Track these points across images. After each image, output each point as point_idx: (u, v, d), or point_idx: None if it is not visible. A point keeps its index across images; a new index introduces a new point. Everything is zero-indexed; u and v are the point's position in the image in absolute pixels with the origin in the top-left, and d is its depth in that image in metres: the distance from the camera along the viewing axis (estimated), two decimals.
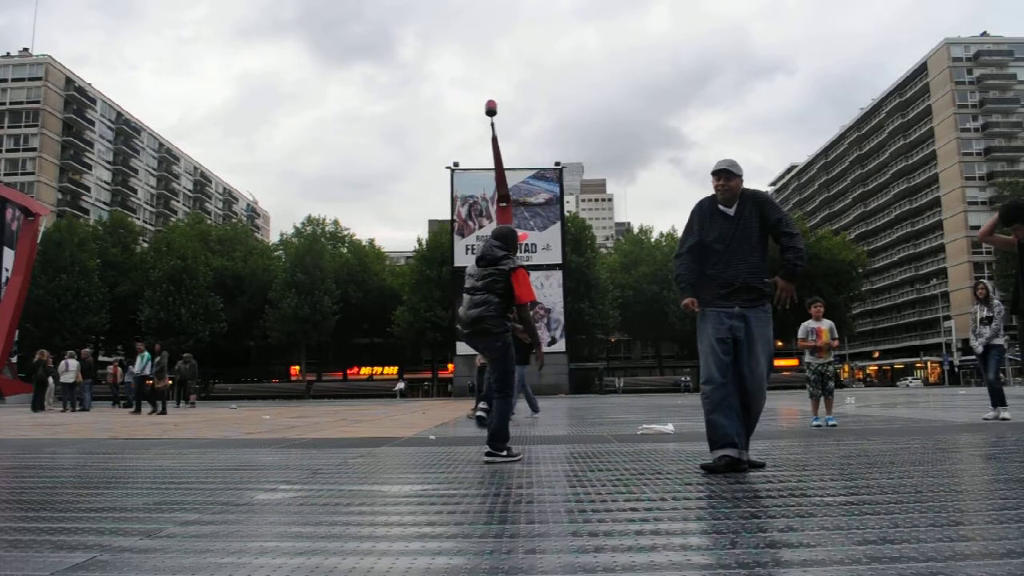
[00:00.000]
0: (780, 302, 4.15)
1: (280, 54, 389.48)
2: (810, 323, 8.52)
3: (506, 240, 5.17)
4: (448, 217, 47.78)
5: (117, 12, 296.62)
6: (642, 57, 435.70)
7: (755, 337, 4.08)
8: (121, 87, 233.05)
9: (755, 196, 4.27)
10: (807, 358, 8.53)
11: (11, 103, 69.50)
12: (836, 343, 8.54)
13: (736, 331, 4.08)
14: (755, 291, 4.11)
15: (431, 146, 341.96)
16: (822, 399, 8.35)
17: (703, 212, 4.28)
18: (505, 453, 4.92)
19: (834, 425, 7.90)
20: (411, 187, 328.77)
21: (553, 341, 45.91)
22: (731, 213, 4.19)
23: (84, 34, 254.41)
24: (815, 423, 8.16)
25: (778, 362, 61.26)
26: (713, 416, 4.03)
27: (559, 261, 46.71)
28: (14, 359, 36.00)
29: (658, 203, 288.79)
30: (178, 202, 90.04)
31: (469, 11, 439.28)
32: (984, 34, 73.60)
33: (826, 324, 8.50)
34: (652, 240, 60.90)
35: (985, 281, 9.76)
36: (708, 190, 4.35)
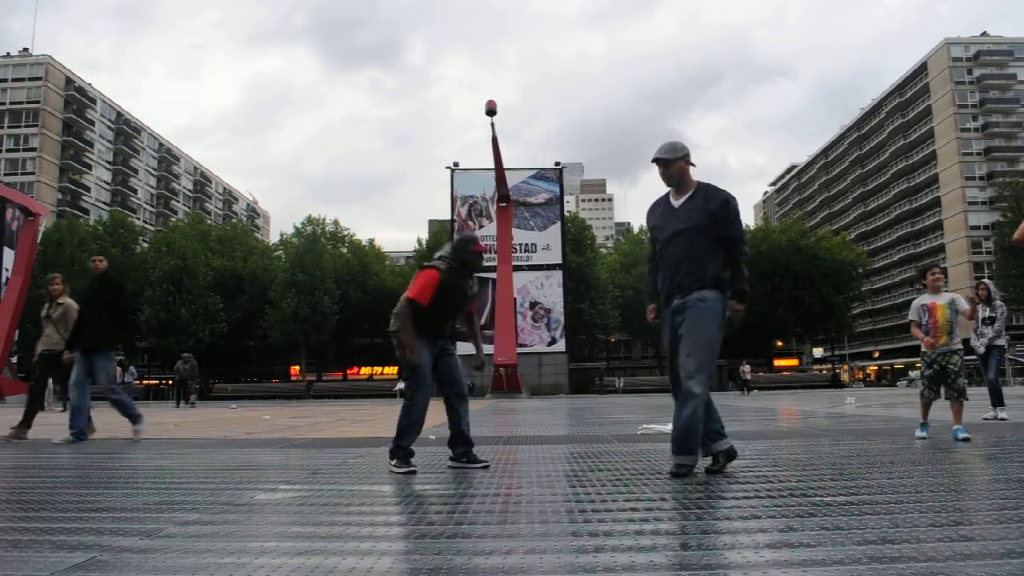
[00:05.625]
0: (733, 317, 3.97)
1: (290, 59, 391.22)
2: (924, 298, 6.23)
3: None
4: (449, 217, 47.79)
5: (130, 18, 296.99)
6: (646, 62, 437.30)
7: (686, 329, 3.87)
8: (132, 91, 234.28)
9: (709, 193, 4.00)
10: (923, 347, 6.16)
11: (11, 103, 69.50)
12: (969, 314, 6.15)
13: (679, 327, 3.93)
14: (693, 279, 3.88)
15: (435, 148, 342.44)
16: (933, 402, 6.20)
17: (653, 211, 4.18)
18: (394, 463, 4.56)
19: (967, 439, 5.63)
20: (415, 188, 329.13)
21: (553, 341, 45.94)
22: (676, 206, 4.03)
23: (97, 38, 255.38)
24: (921, 435, 6.05)
25: (777, 362, 61.23)
26: (684, 421, 3.84)
27: (559, 261, 46.71)
28: (14, 359, 35.99)
29: None
30: (178, 202, 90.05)
31: (476, 16, 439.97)
32: (984, 34, 73.60)
33: (944, 298, 6.13)
34: None
35: (987, 281, 9.73)
36: None
